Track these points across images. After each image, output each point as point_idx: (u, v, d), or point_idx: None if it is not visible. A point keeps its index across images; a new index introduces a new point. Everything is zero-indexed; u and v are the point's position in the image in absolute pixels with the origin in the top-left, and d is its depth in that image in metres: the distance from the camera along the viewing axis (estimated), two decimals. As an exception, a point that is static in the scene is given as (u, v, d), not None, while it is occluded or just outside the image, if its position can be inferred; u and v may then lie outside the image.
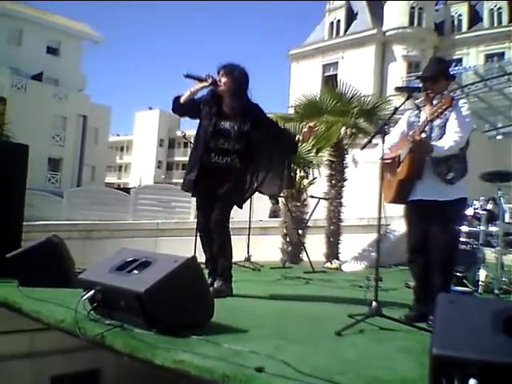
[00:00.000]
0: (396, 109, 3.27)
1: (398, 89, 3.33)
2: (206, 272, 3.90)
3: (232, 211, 4.05)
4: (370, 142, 3.18)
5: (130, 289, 2.47)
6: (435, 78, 3.28)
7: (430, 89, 3.27)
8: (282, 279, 5.45)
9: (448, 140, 3.08)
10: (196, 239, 5.85)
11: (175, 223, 10.64)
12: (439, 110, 2.97)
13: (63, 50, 31.19)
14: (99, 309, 2.66)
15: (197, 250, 5.81)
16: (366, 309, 2.91)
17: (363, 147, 3.24)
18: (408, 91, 3.24)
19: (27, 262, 3.73)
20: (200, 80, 3.88)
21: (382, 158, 3.20)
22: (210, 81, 3.85)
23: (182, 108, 3.93)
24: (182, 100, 3.88)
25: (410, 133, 3.14)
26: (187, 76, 3.88)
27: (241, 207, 4.08)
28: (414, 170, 3.18)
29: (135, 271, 2.65)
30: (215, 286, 3.84)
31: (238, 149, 3.87)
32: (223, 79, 3.87)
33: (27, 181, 4.81)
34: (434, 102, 3.26)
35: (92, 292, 2.63)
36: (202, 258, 4.28)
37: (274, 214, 13.27)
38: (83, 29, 32.80)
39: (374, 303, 2.89)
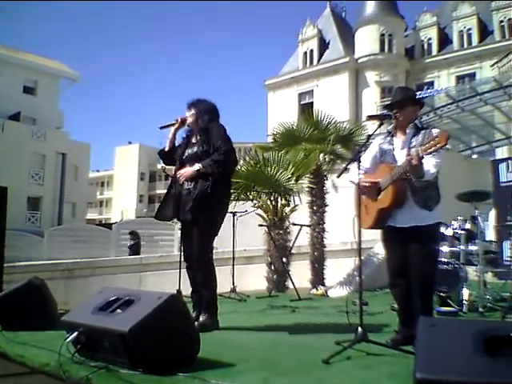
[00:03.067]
0: (369, 136, 3.35)
1: (369, 117, 3.41)
2: (191, 305, 3.89)
3: (216, 240, 4.07)
4: (346, 169, 3.24)
5: (113, 329, 2.44)
6: (402, 105, 3.38)
7: (399, 115, 3.36)
8: (269, 309, 5.42)
9: (430, 164, 3.14)
10: (180, 272, 5.83)
11: (159, 257, 10.55)
12: (433, 148, 2.91)
13: (40, 89, 31.17)
14: (83, 351, 2.62)
15: (181, 283, 5.78)
16: (353, 334, 2.92)
17: (340, 174, 3.30)
18: (379, 119, 3.33)
19: (9, 306, 3.67)
20: (172, 125, 4.24)
21: (359, 185, 3.26)
22: (179, 120, 4.20)
23: (170, 157, 4.25)
24: (166, 149, 4.23)
25: (407, 157, 3.11)
26: (162, 128, 4.30)
27: (215, 234, 4.07)
28: (397, 199, 3.23)
29: (118, 310, 2.62)
30: (200, 319, 3.82)
31: (203, 172, 3.89)
32: (188, 113, 4.18)
33: (6, 221, 4.77)
34: (408, 130, 3.37)
35: (75, 334, 2.59)
36: (186, 290, 4.27)
37: (131, 250, 12.91)
38: (59, 67, 32.89)
39: (359, 329, 2.90)
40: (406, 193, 3.24)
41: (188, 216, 3.88)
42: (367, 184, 3.32)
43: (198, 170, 3.88)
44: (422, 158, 3.00)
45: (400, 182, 3.20)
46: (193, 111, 4.14)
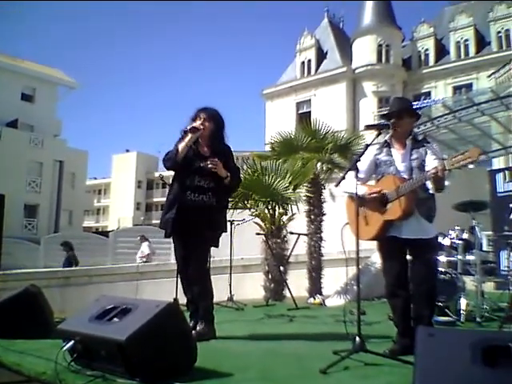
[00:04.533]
0: (367, 145, 3.36)
1: (367, 127, 3.42)
2: (187, 314, 3.88)
3: (213, 250, 4.08)
4: (343, 178, 3.25)
5: (110, 337, 2.43)
6: (399, 115, 3.40)
7: (396, 125, 3.39)
8: (266, 318, 5.40)
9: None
10: (177, 281, 5.81)
11: (156, 265, 10.52)
12: (462, 162, 2.86)
13: (38, 97, 31.24)
14: (80, 359, 2.60)
15: (178, 291, 5.76)
16: (351, 344, 2.91)
17: (338, 184, 3.31)
18: (377, 128, 3.35)
19: (5, 314, 3.64)
20: (196, 130, 3.95)
21: (361, 197, 3.27)
22: (201, 129, 3.95)
23: (179, 163, 3.96)
24: (180, 152, 3.92)
25: (432, 170, 3.07)
26: (189, 130, 3.93)
27: (217, 246, 4.10)
28: (408, 211, 3.23)
29: (115, 319, 2.61)
30: (198, 329, 3.80)
31: (212, 187, 3.95)
32: (206, 123, 3.98)
33: (3, 229, 4.76)
34: (407, 142, 3.39)
35: (72, 342, 2.57)
36: (183, 299, 4.26)
37: (68, 262, 12.05)
38: (58, 75, 33.00)
39: (357, 338, 2.89)
40: (414, 205, 3.25)
41: (208, 232, 3.88)
42: (375, 195, 3.31)
43: (226, 177, 3.92)
44: (450, 171, 2.96)
45: (409, 193, 3.21)
46: (208, 122, 3.99)
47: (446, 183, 3.16)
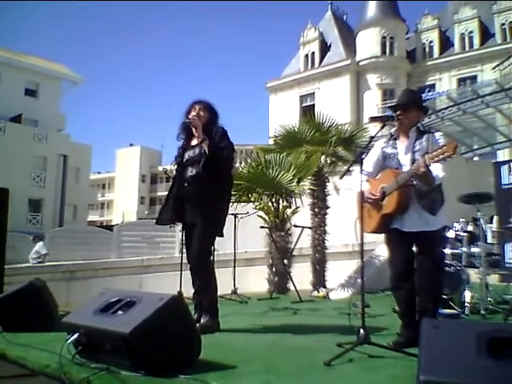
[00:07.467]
0: (372, 137, 3.34)
1: (372, 119, 3.40)
2: (192, 306, 3.88)
3: (216, 243, 4.06)
4: (348, 170, 3.24)
5: (114, 330, 2.43)
6: (406, 107, 3.38)
7: (402, 117, 3.36)
8: (270, 311, 5.41)
9: (438, 169, 3.13)
10: (181, 274, 5.82)
11: (160, 259, 10.54)
12: (441, 156, 2.89)
13: (42, 92, 31.24)
14: (84, 352, 2.61)
15: (182, 285, 5.77)
16: (355, 337, 2.90)
17: (342, 176, 3.29)
18: (381, 120, 3.32)
19: (10, 307, 3.66)
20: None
21: (362, 196, 3.26)
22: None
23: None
24: None
25: (413, 166, 3.11)
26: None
27: (221, 236, 4.07)
28: (402, 204, 3.23)
29: (120, 312, 2.61)
30: (202, 321, 3.81)
31: (207, 171, 3.87)
32: (201, 113, 4.00)
33: (8, 223, 4.78)
34: (410, 134, 3.37)
35: (76, 335, 2.58)
36: (187, 292, 4.27)
37: None
38: (61, 70, 32.99)
39: (361, 331, 2.89)
40: (409, 199, 3.24)
41: (197, 218, 3.85)
42: (372, 198, 3.31)
43: (204, 139, 3.84)
44: (429, 165, 2.98)
45: (405, 187, 3.20)
46: (203, 112, 4.00)
47: (442, 175, 3.13)
